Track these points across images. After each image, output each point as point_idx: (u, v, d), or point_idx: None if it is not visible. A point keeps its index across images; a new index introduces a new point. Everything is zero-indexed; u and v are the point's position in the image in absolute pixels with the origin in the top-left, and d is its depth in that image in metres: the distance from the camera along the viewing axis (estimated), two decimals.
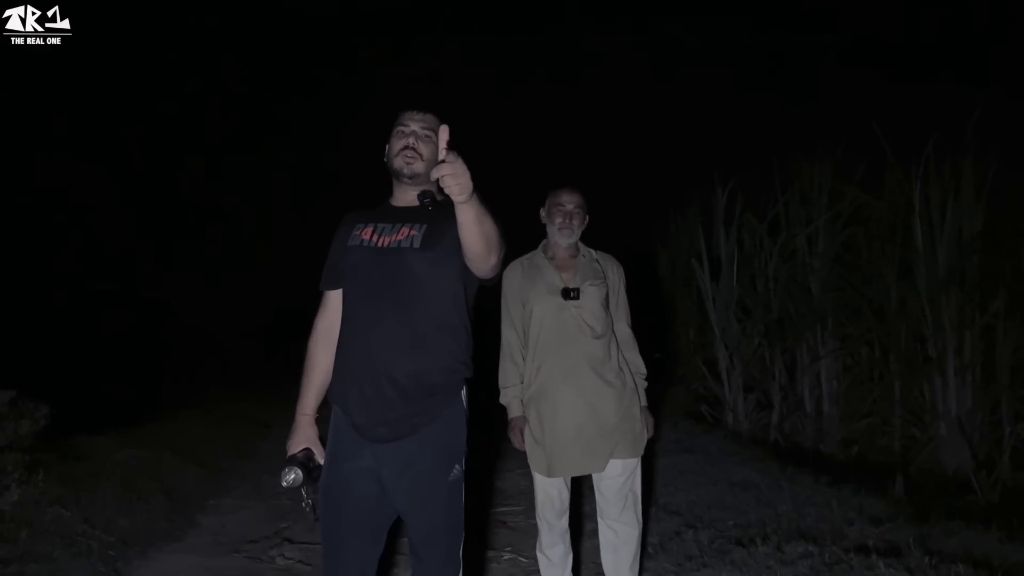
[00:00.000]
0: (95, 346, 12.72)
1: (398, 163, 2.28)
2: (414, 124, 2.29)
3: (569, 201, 3.11)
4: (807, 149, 7.10)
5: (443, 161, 1.84)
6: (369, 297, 2.20)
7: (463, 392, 2.28)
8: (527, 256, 3.22)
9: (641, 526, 3.15)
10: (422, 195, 2.16)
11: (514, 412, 3.12)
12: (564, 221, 3.09)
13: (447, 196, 1.97)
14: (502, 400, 3.16)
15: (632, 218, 9.20)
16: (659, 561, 3.54)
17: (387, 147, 2.34)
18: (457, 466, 2.24)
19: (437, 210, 2.16)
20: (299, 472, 2.18)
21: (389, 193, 2.38)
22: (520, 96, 18.83)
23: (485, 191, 1.98)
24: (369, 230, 2.26)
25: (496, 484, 5.37)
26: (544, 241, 3.21)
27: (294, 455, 2.23)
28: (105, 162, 14.85)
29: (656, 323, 7.89)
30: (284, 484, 2.18)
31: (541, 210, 3.20)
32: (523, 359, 3.12)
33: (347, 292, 2.26)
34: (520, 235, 3.25)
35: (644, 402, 3.14)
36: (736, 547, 3.33)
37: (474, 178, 1.89)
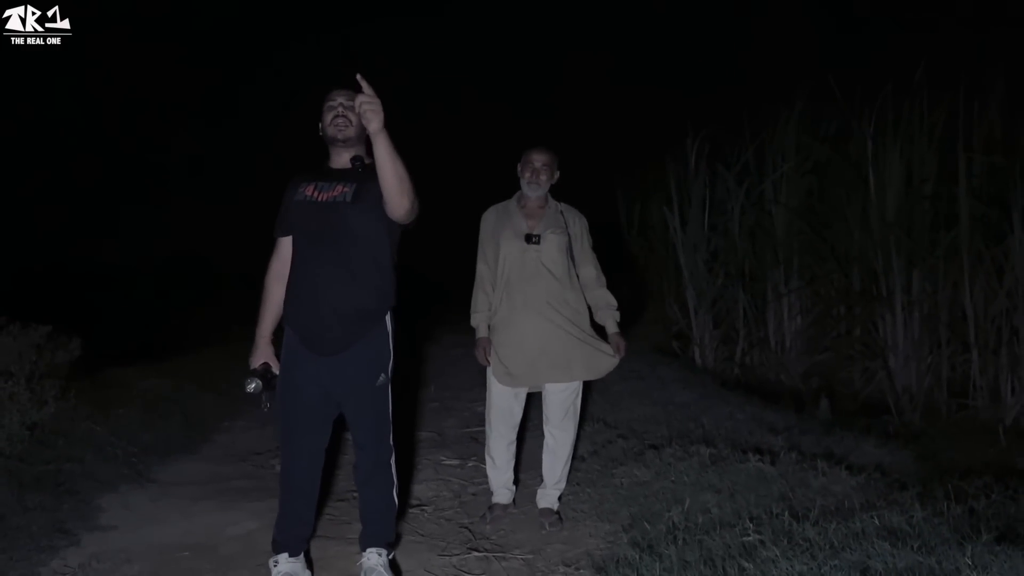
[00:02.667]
0: (129, 292, 13.61)
1: (332, 130, 2.82)
2: (340, 98, 2.81)
3: (538, 159, 3.59)
4: (784, 100, 7.49)
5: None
6: (312, 242, 2.78)
7: (388, 317, 2.88)
8: (502, 203, 3.75)
9: (575, 435, 3.75)
10: (354, 159, 2.74)
11: (481, 333, 3.68)
12: (532, 176, 3.59)
13: (373, 160, 2.55)
14: (472, 322, 3.71)
15: (622, 170, 9.64)
16: (590, 463, 4.17)
17: (320, 123, 2.88)
18: (383, 374, 2.86)
19: (365, 171, 2.73)
20: (259, 382, 2.82)
21: (327, 158, 2.94)
22: (502, 60, 19.01)
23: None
24: (311, 188, 2.82)
25: (476, 409, 6.00)
26: (518, 192, 3.75)
27: (255, 368, 2.86)
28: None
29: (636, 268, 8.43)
30: (248, 391, 2.82)
31: (518, 165, 3.73)
32: (492, 290, 3.69)
33: (296, 238, 2.84)
34: (505, 187, 3.81)
35: (615, 329, 3.63)
36: (650, 450, 3.94)
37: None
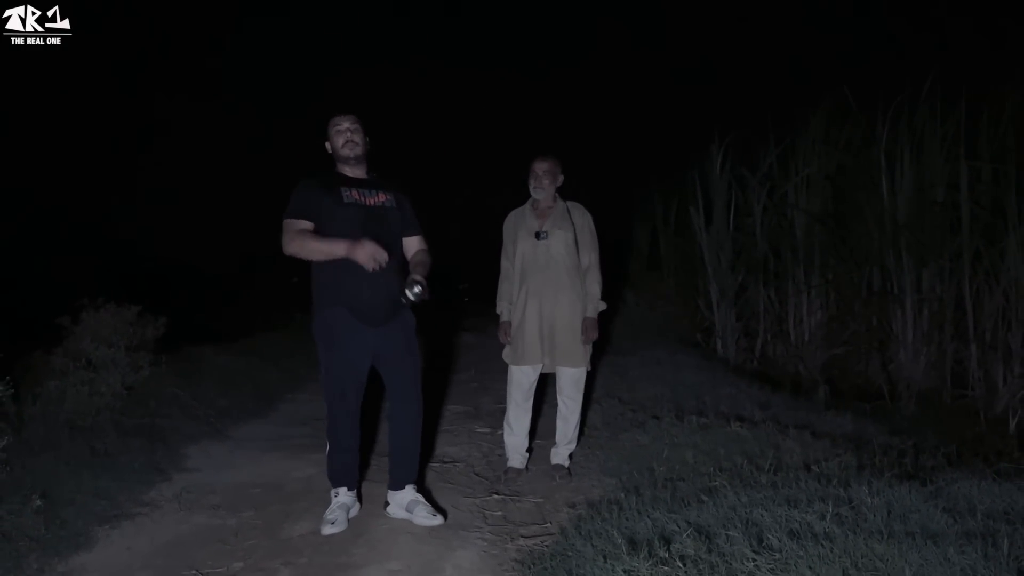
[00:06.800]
0: (205, 283, 14.72)
1: (344, 152, 3.46)
2: (345, 123, 3.47)
3: (539, 167, 4.22)
4: (807, 106, 7.93)
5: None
6: (367, 236, 3.38)
7: None
8: (520, 207, 4.41)
9: (583, 402, 4.34)
10: (369, 172, 3.46)
11: (504, 317, 4.34)
12: (535, 183, 4.22)
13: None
14: (497, 309, 4.39)
15: (658, 171, 10.15)
16: (600, 431, 4.78)
17: (328, 143, 3.50)
18: (414, 337, 3.53)
19: (383, 178, 3.50)
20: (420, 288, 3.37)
21: (333, 166, 3.55)
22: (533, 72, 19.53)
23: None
24: (355, 192, 3.44)
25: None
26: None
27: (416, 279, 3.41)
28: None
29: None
30: (412, 298, 3.37)
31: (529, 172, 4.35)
32: (513, 281, 4.33)
33: (346, 232, 3.35)
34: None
35: (594, 315, 4.28)
36: (651, 420, 4.53)
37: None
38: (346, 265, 3.40)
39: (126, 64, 15.06)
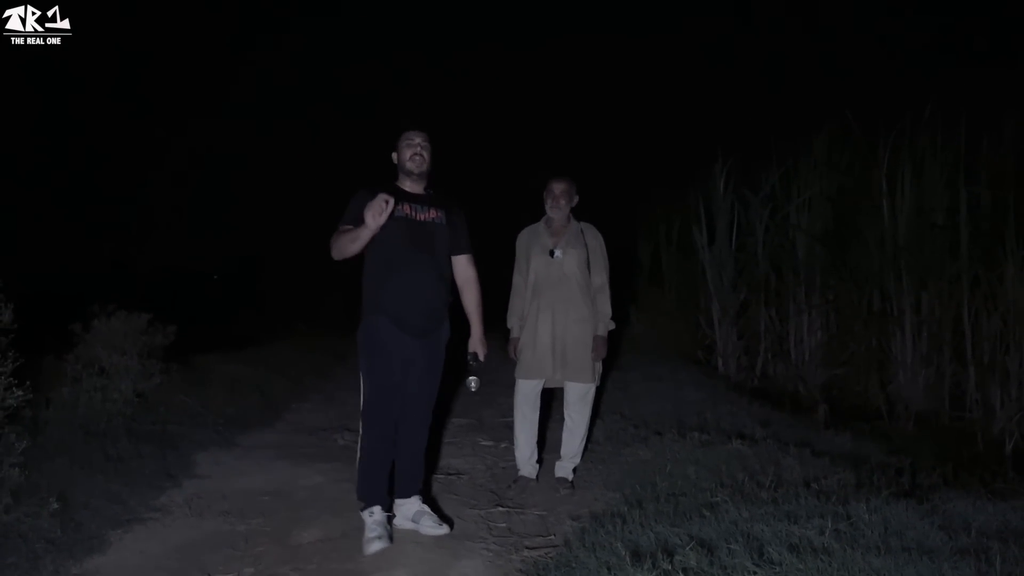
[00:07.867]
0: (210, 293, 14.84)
1: (410, 165, 3.57)
2: (418, 138, 3.60)
3: (557, 187, 4.34)
4: (811, 127, 8.05)
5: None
6: (412, 250, 3.49)
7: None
8: (533, 225, 4.51)
9: (589, 417, 4.43)
10: (426, 188, 3.57)
11: (514, 333, 4.44)
12: (552, 202, 4.34)
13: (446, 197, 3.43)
14: (507, 324, 4.48)
15: (662, 192, 10.28)
16: (603, 445, 4.87)
17: (395, 154, 3.62)
18: (443, 351, 3.67)
19: (437, 196, 3.61)
20: (476, 379, 3.70)
21: (395, 178, 3.66)
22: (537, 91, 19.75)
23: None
24: (407, 207, 3.51)
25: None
26: (546, 215, 4.48)
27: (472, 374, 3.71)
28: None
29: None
30: (472, 389, 3.69)
31: (544, 193, 4.46)
32: (525, 296, 4.42)
33: (393, 244, 3.42)
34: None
35: (604, 333, 4.37)
36: (654, 435, 4.61)
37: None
38: (386, 276, 3.49)
39: (128, 63, 15.13)
